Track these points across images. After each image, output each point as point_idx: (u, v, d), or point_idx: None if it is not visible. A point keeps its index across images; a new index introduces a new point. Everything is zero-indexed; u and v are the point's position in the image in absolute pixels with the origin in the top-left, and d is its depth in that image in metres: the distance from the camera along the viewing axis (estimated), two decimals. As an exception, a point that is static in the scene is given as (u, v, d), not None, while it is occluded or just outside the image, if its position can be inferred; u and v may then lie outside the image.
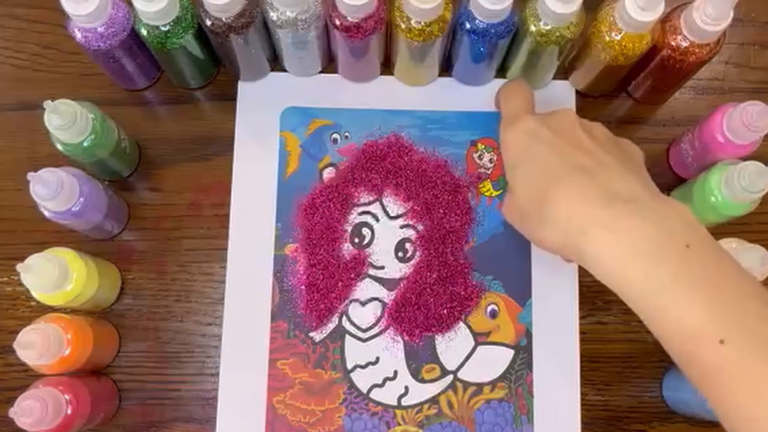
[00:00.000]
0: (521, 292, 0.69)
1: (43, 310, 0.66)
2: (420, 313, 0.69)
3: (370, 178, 0.71)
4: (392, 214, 0.71)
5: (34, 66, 0.74)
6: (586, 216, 0.54)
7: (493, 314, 0.69)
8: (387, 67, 0.73)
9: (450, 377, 0.68)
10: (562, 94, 0.74)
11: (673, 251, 0.51)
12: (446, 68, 0.73)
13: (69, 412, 0.59)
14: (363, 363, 0.68)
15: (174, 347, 0.69)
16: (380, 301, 0.69)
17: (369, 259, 0.70)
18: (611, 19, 0.64)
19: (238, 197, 0.71)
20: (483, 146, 0.72)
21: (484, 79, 0.73)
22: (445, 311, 0.69)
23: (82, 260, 0.63)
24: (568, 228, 0.55)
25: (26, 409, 0.56)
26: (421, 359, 0.68)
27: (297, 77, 0.74)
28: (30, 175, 0.58)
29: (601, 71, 0.68)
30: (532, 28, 0.64)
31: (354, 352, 0.68)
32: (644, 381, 0.69)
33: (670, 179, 0.73)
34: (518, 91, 0.67)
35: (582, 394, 0.68)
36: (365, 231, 0.70)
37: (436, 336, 0.69)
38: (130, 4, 0.63)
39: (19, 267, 0.58)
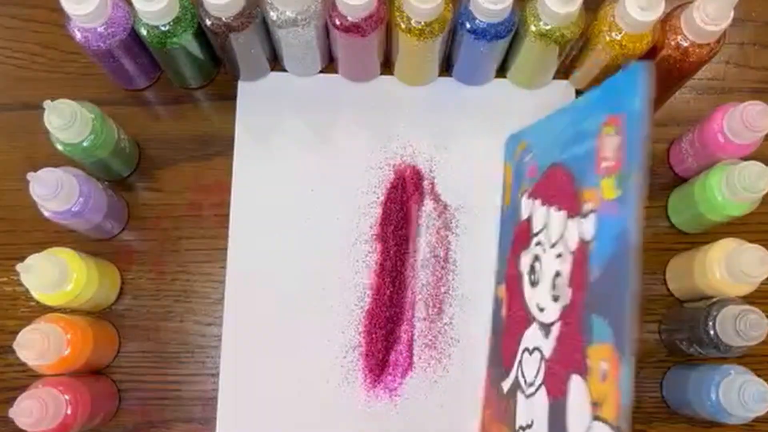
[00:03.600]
0: (625, 341, 0.48)
1: (43, 310, 0.66)
2: (562, 369, 0.54)
3: (542, 205, 0.60)
4: (552, 242, 0.57)
5: (34, 66, 0.74)
6: None
7: (604, 376, 0.49)
8: (387, 67, 0.73)
9: None
10: (562, 94, 0.74)
11: None
12: (446, 68, 0.73)
13: (68, 412, 0.59)
14: (524, 424, 0.56)
15: (174, 347, 0.69)
16: (539, 350, 0.57)
17: (537, 300, 0.58)
18: (611, 18, 0.64)
19: (239, 197, 0.71)
20: (609, 128, 0.52)
21: (485, 79, 0.73)
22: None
23: (81, 260, 0.63)
24: None
25: (26, 409, 0.56)
26: (555, 430, 0.53)
27: (297, 77, 0.74)
28: (29, 175, 0.58)
29: (602, 71, 0.68)
30: (533, 28, 0.64)
31: (520, 409, 0.57)
32: (644, 381, 0.69)
33: (670, 179, 0.73)
34: None
35: (582, 394, 0.68)
36: (537, 265, 0.58)
37: (569, 401, 0.52)
38: (130, 4, 0.63)
39: (19, 267, 0.58)
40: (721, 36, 0.64)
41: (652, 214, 0.72)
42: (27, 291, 0.61)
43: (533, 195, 0.61)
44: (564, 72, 0.73)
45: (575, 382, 0.51)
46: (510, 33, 0.65)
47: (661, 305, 0.70)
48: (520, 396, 0.57)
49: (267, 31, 0.67)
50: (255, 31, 0.65)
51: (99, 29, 0.63)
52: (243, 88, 0.73)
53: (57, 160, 0.64)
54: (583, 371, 0.50)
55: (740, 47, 0.76)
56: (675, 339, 0.67)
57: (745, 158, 0.63)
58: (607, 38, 0.64)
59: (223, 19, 0.63)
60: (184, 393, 0.68)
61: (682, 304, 0.69)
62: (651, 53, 0.66)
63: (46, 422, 0.57)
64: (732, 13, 0.61)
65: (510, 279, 0.62)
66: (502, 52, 0.69)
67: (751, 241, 0.62)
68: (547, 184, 0.59)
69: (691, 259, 0.66)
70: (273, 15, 0.64)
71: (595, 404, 0.49)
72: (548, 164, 0.60)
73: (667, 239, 0.72)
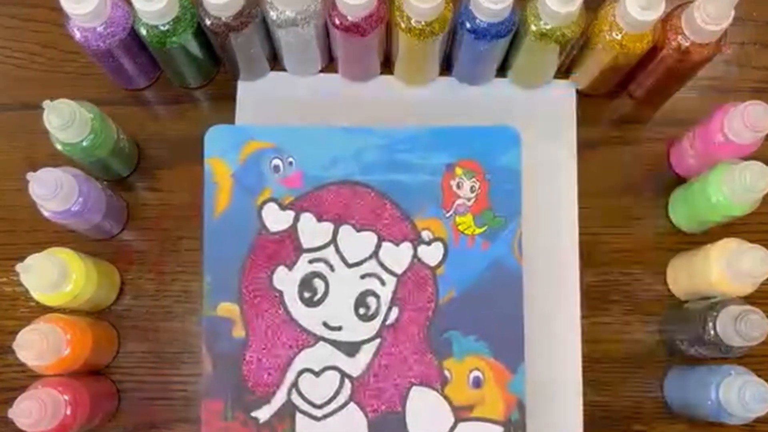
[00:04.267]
0: (511, 354, 0.59)
1: (43, 310, 0.66)
2: (390, 383, 0.59)
3: (323, 221, 0.61)
4: (351, 261, 0.60)
5: (34, 66, 0.74)
6: None
7: (477, 383, 0.59)
8: (387, 67, 0.73)
9: None
10: (563, 93, 0.73)
11: None
12: (446, 67, 0.73)
13: (68, 412, 0.59)
14: None
15: (174, 347, 0.69)
16: (338, 370, 0.59)
17: (323, 319, 0.60)
18: (612, 18, 0.64)
19: None
20: (462, 171, 0.62)
21: (485, 79, 0.73)
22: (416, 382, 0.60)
23: (81, 260, 0.63)
24: None
25: (25, 409, 0.56)
26: None
27: (297, 77, 0.73)
28: (29, 175, 0.58)
29: (602, 71, 0.68)
30: (533, 28, 0.64)
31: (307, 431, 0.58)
32: (645, 382, 0.69)
33: (670, 179, 0.73)
34: None
35: (582, 395, 0.68)
36: (317, 283, 0.60)
37: (408, 411, 0.58)
38: (130, 4, 0.63)
39: (19, 267, 0.58)
40: (721, 35, 0.64)
41: (652, 214, 0.72)
42: (26, 291, 0.61)
43: (299, 207, 0.61)
44: (565, 71, 0.73)
45: (419, 392, 0.59)
46: (510, 33, 0.65)
47: (661, 305, 0.70)
48: (302, 420, 0.58)
49: (267, 30, 0.67)
50: (255, 30, 0.65)
51: (98, 29, 0.63)
52: (242, 87, 0.73)
53: (56, 159, 0.64)
54: (436, 382, 0.59)
55: (741, 47, 0.76)
56: (675, 339, 0.67)
57: (746, 158, 0.63)
58: (608, 38, 0.64)
59: (223, 18, 0.63)
60: (184, 393, 0.68)
61: (682, 304, 0.69)
62: (651, 53, 0.66)
63: (46, 422, 0.57)
64: (732, 13, 0.61)
65: (250, 296, 0.59)
66: (502, 52, 0.69)
67: (751, 241, 0.62)
68: (333, 201, 0.61)
69: (691, 259, 0.66)
70: (273, 14, 0.64)
71: (462, 408, 0.58)
72: (329, 179, 0.61)
73: (668, 239, 0.71)
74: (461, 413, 0.59)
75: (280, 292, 0.60)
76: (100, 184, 0.66)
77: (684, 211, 0.70)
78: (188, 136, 0.73)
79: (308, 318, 0.60)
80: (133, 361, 0.69)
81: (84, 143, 0.62)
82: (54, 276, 0.59)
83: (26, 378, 0.66)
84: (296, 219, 0.61)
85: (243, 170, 0.61)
